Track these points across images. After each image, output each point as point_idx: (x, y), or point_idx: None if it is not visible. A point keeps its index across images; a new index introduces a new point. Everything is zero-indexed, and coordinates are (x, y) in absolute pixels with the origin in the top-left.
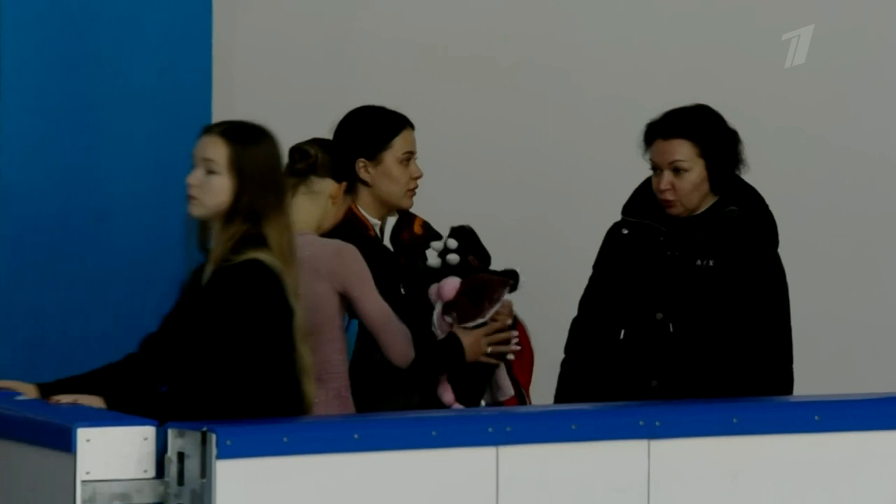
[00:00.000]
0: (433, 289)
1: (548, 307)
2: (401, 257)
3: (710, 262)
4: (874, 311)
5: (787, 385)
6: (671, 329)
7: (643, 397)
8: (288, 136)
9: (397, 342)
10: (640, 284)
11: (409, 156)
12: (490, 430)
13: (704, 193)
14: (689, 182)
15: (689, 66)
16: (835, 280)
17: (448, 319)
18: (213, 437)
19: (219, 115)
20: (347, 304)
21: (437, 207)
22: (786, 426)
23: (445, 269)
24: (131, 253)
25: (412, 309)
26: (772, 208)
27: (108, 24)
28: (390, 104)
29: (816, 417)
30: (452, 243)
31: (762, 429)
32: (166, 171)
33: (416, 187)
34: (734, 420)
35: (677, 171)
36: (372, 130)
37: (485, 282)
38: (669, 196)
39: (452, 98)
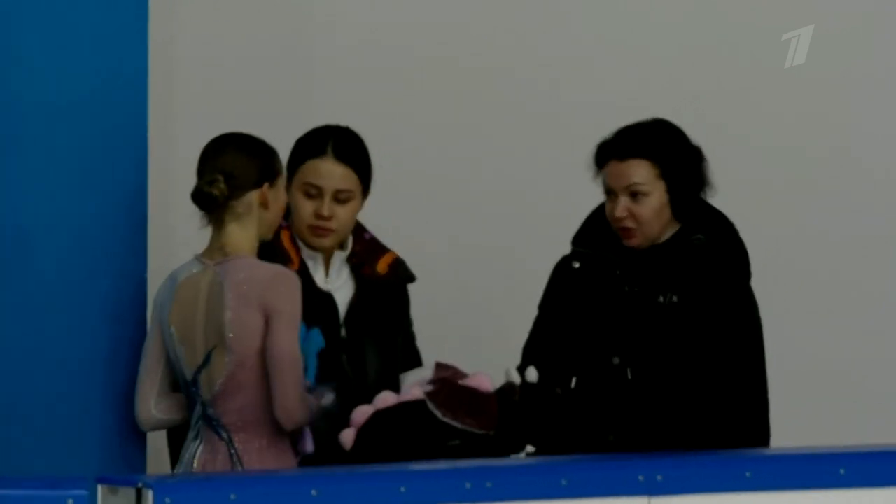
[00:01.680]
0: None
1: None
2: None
3: (674, 298)
4: (865, 349)
5: (762, 437)
6: (629, 375)
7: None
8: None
9: (290, 396)
10: (594, 325)
11: (310, 189)
12: (468, 485)
13: (666, 220)
14: (649, 207)
15: (685, 75)
16: (817, 314)
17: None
18: (150, 493)
19: (156, 123)
20: None
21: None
22: (807, 481)
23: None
24: (54, 278)
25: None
26: (759, 232)
27: (27, 20)
28: (343, 111)
29: (842, 471)
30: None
31: (780, 484)
32: (94, 186)
33: (325, 229)
34: (747, 474)
35: (635, 195)
36: (294, 149)
37: (482, 395)
38: (628, 223)
39: (415, 106)
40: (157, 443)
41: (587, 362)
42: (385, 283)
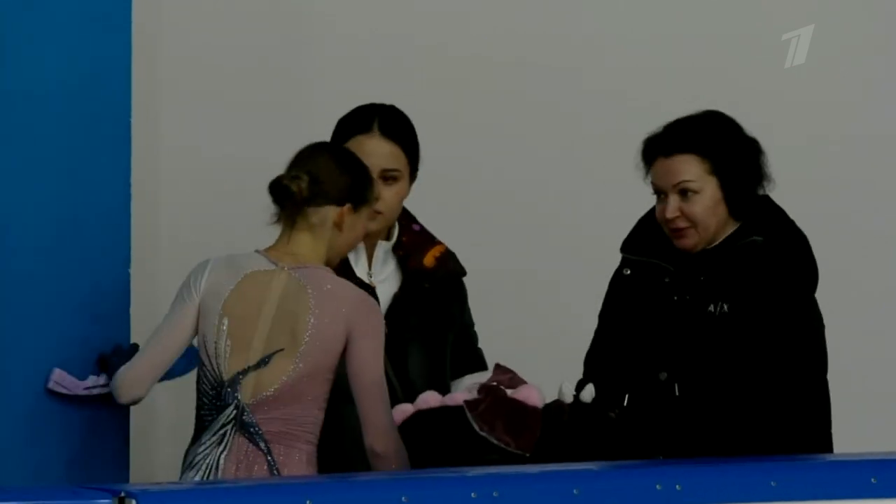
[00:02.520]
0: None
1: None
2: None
3: (725, 307)
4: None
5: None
6: (676, 392)
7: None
8: (224, 137)
9: (384, 423)
10: (643, 337)
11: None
12: (473, 495)
13: (722, 219)
14: (701, 205)
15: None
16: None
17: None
18: None
19: (140, 114)
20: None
21: None
22: (836, 490)
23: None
24: (32, 273)
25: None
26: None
27: (9, 12)
28: (337, 100)
29: (873, 480)
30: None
31: (807, 493)
32: (76, 179)
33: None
34: (772, 483)
35: (685, 193)
36: (338, 126)
37: (527, 410)
38: (680, 223)
39: (411, 97)
40: (140, 444)
41: (637, 378)
42: (433, 277)
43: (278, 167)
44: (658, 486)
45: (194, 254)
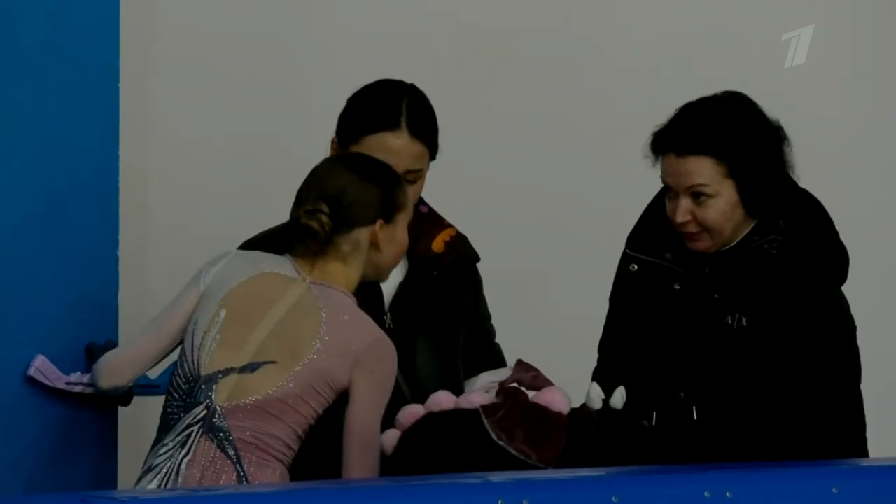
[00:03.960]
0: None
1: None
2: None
3: (744, 321)
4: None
5: None
6: (695, 415)
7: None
8: (218, 124)
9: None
10: (653, 348)
11: None
12: (500, 502)
13: (739, 222)
14: (716, 211)
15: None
16: None
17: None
18: None
19: (129, 93)
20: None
21: None
22: None
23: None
24: (14, 259)
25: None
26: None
27: None
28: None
29: None
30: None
31: (871, 501)
32: (61, 159)
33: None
34: (833, 490)
35: (698, 196)
36: (354, 110)
37: (550, 417)
38: (691, 228)
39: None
40: (129, 442)
41: (654, 394)
42: (443, 264)
43: (276, 145)
44: (706, 494)
45: (185, 236)
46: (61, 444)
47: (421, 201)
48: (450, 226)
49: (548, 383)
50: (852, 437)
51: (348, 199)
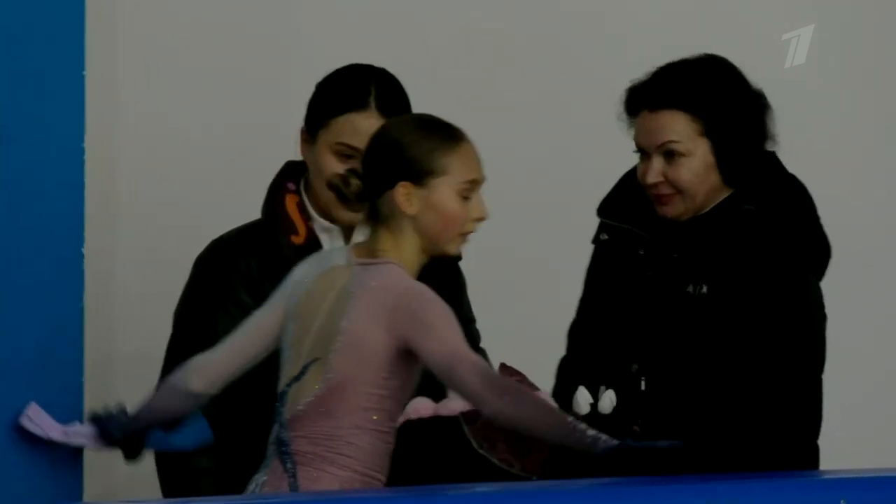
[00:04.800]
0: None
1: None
2: None
3: (704, 289)
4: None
5: (808, 467)
6: (643, 386)
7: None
8: (190, 116)
9: (472, 385)
10: (616, 319)
11: (346, 150)
12: None
13: (714, 186)
14: (689, 171)
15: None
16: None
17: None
18: None
19: (94, 79)
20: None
21: None
22: None
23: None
24: None
25: None
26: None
27: None
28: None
29: None
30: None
31: None
32: (22, 148)
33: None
34: (842, 502)
35: (670, 155)
36: (321, 95)
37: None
38: (663, 189)
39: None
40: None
41: (610, 367)
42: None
43: (248, 138)
44: None
45: (155, 233)
46: (25, 453)
47: None
48: None
49: (533, 388)
50: (801, 427)
51: (374, 160)
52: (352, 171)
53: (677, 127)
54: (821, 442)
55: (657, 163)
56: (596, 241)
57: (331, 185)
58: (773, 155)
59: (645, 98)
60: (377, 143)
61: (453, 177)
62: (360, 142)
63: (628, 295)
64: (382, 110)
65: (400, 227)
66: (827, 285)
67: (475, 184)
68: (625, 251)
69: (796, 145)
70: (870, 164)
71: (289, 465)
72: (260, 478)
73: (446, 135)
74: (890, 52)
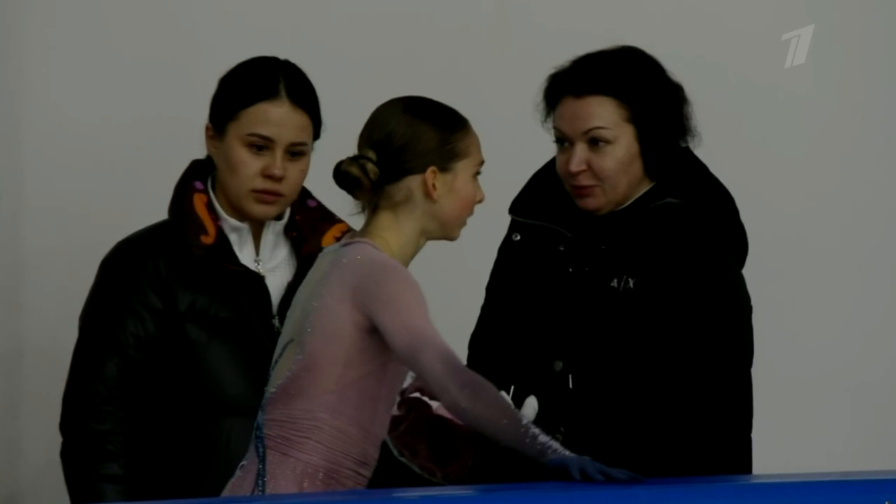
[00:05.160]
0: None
1: None
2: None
3: (630, 282)
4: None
5: (741, 463)
6: (570, 384)
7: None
8: (99, 103)
9: (436, 371)
10: (532, 317)
11: (258, 141)
12: None
13: (636, 177)
14: (614, 159)
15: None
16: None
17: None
18: None
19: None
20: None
21: None
22: None
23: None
24: None
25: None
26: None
27: None
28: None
29: None
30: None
31: None
32: None
33: (274, 193)
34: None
35: (595, 142)
36: (227, 88)
37: (457, 430)
38: (585, 180)
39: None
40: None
41: (526, 365)
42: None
43: (161, 126)
44: None
45: (62, 223)
46: None
47: (308, 195)
48: (340, 221)
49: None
50: (736, 422)
51: (397, 144)
52: (362, 158)
53: (604, 113)
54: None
55: (581, 151)
56: (507, 242)
57: (341, 172)
58: (688, 150)
59: (570, 84)
60: (395, 127)
61: (471, 160)
62: (272, 131)
63: (547, 293)
64: (293, 98)
65: (410, 212)
66: (829, 285)
67: (482, 165)
68: (540, 249)
69: (796, 145)
70: (870, 165)
71: (259, 450)
72: (242, 462)
73: (459, 117)
74: (890, 53)
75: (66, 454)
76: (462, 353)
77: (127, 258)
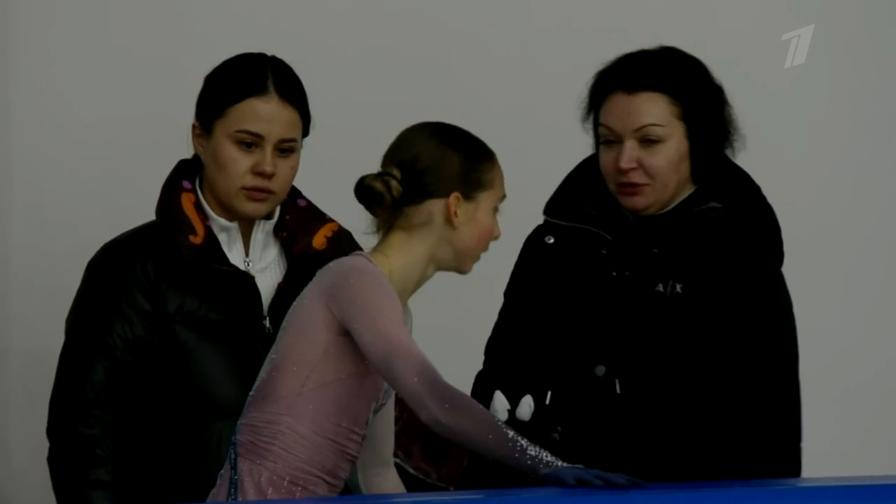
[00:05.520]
0: None
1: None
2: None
3: (678, 288)
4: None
5: (791, 470)
6: (618, 389)
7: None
8: (84, 99)
9: (408, 381)
10: (571, 321)
11: (247, 138)
12: None
13: (683, 178)
14: (666, 158)
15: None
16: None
17: None
18: None
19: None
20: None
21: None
22: None
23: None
24: None
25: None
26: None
27: None
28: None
29: None
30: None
31: None
32: None
33: (264, 191)
34: None
35: (646, 140)
36: (215, 84)
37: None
38: (636, 178)
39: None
40: None
41: (563, 371)
42: (325, 261)
43: (148, 126)
44: None
45: (50, 222)
46: None
47: (299, 194)
48: (331, 220)
49: None
50: (786, 429)
51: (422, 166)
52: (387, 174)
53: (657, 110)
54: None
55: (632, 148)
56: (536, 245)
57: (364, 187)
58: (727, 157)
59: (620, 79)
60: (422, 150)
61: (495, 192)
62: (262, 128)
63: (588, 296)
64: (282, 94)
65: (426, 236)
66: (827, 285)
67: (502, 201)
68: (579, 253)
69: (796, 145)
70: (870, 164)
71: (231, 456)
72: (221, 471)
73: (486, 148)
74: (890, 52)
75: (53, 459)
76: (473, 360)
77: (114, 259)
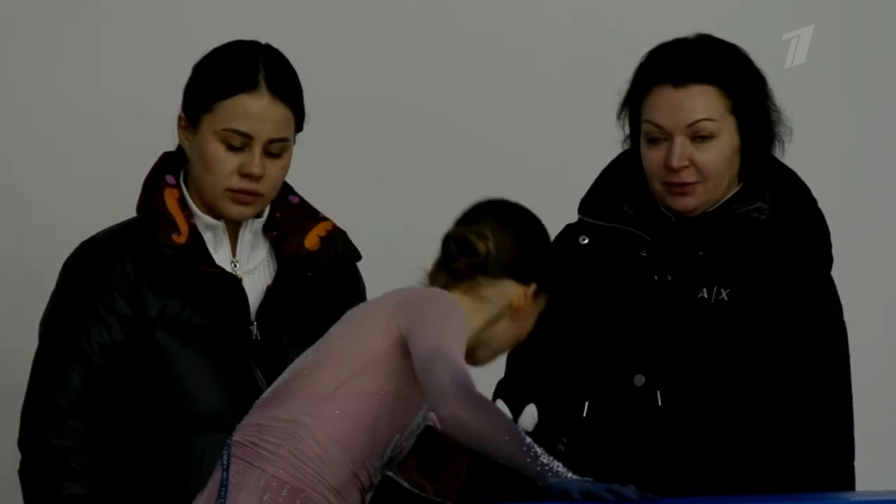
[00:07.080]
0: None
1: None
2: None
3: (724, 294)
4: None
5: (845, 485)
6: (659, 401)
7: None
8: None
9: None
10: (609, 328)
11: (235, 137)
12: None
13: (733, 176)
14: (718, 154)
15: None
16: None
17: None
18: None
19: None
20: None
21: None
22: None
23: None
24: None
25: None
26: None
27: None
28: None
29: None
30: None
31: None
32: None
33: (251, 193)
34: None
35: (699, 138)
36: (203, 76)
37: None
38: (687, 177)
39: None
40: None
41: (600, 381)
42: (317, 263)
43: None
44: None
45: (26, 222)
46: None
47: (290, 190)
48: (325, 219)
49: None
50: (840, 439)
51: (518, 245)
52: (480, 235)
53: (709, 104)
54: None
55: (682, 145)
56: (567, 245)
57: (457, 236)
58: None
59: (667, 72)
60: (524, 231)
61: (542, 304)
62: (251, 127)
63: (627, 301)
64: (274, 90)
65: (485, 312)
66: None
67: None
68: (617, 255)
69: (796, 145)
70: (870, 164)
71: (224, 458)
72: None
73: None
74: (890, 52)
75: (24, 472)
76: (493, 367)
77: (91, 259)
